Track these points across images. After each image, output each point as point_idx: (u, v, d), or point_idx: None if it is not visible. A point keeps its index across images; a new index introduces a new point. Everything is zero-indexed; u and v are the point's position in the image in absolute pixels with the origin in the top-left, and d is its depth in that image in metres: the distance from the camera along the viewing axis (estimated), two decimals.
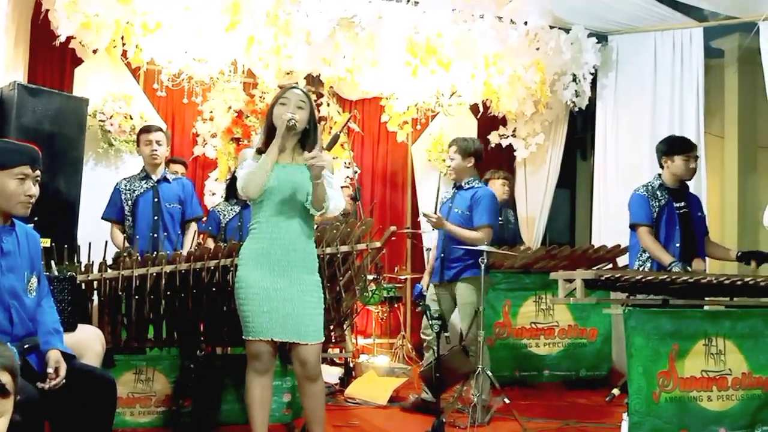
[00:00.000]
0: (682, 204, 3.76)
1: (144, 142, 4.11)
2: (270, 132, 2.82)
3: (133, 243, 3.89)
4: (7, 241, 2.26)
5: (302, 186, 2.78)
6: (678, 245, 3.67)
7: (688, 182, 3.89)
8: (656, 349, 3.05)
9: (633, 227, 3.77)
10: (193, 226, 4.23)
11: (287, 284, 2.72)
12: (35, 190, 2.28)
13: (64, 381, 2.20)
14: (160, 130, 4.18)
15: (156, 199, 4.09)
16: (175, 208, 4.14)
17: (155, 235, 3.86)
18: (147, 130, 4.16)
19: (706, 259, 3.90)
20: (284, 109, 2.77)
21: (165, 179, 4.17)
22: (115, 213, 4.11)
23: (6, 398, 1.28)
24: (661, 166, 3.81)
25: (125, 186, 4.14)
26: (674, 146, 3.77)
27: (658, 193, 3.73)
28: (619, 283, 3.09)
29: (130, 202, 4.08)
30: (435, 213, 3.97)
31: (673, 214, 3.71)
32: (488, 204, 3.95)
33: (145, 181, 4.13)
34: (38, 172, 2.29)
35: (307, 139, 2.83)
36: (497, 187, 5.39)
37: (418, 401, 4.09)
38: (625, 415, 3.44)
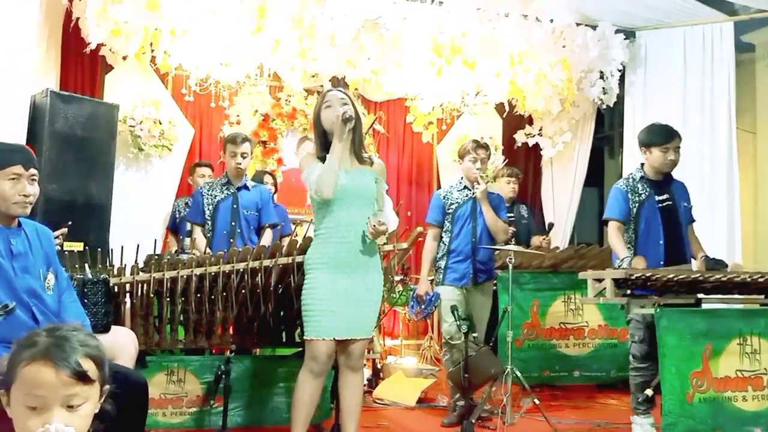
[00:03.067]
0: (665, 197, 3.52)
1: (230, 153, 4.16)
2: (324, 138, 2.89)
3: (211, 246, 4.01)
4: (17, 242, 2.27)
5: (366, 188, 2.87)
6: (662, 242, 3.45)
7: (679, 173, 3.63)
8: (689, 349, 3.00)
9: (605, 222, 3.59)
10: (268, 232, 4.25)
11: (355, 284, 2.81)
12: (31, 189, 2.27)
13: None
14: (247, 140, 4.22)
15: (235, 206, 4.16)
16: (251, 215, 4.20)
17: (231, 240, 3.93)
18: (234, 141, 4.16)
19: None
20: (332, 111, 2.83)
21: (245, 186, 4.23)
22: (197, 216, 4.20)
23: (88, 384, 1.32)
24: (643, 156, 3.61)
25: (207, 191, 4.22)
26: (652, 136, 3.52)
27: (638, 186, 3.52)
28: (649, 282, 3.04)
29: (210, 207, 4.16)
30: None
31: (654, 209, 3.49)
32: (505, 205, 4.23)
33: (226, 188, 4.20)
34: (33, 171, 2.28)
35: (355, 135, 2.89)
36: (503, 185, 5.31)
37: (459, 411, 3.81)
38: (632, 417, 3.44)
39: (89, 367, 1.33)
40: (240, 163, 4.15)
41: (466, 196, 4.03)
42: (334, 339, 2.77)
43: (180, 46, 4.76)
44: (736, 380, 3.06)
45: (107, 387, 1.42)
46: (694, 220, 3.68)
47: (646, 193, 3.52)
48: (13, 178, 2.23)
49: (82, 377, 1.31)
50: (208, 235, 4.16)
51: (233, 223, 4.13)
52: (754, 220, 6.12)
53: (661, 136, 3.50)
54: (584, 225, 7.01)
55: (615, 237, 3.47)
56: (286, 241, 3.54)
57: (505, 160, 6.33)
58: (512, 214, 5.21)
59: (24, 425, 1.29)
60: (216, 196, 4.19)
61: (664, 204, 3.52)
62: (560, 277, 4.88)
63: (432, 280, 4.13)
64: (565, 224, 6.37)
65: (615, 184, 3.63)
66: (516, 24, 5.54)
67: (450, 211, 4.03)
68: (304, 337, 2.83)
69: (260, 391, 3.40)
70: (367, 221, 2.79)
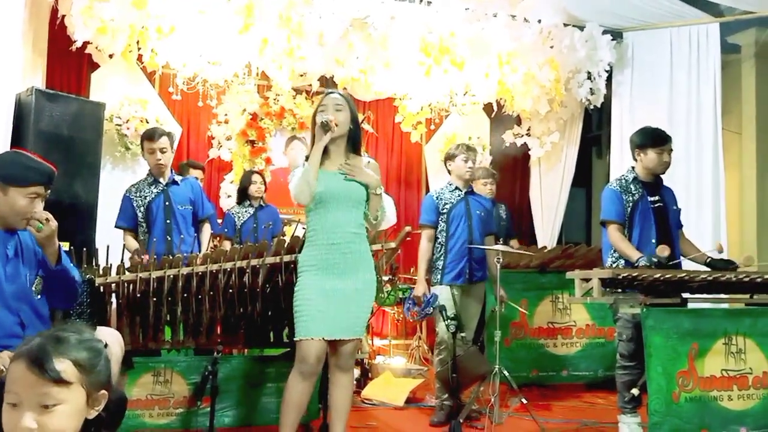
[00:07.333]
0: (657, 198, 3.59)
1: (148, 151, 4.01)
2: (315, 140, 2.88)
3: (150, 248, 3.88)
4: (10, 246, 2.28)
5: (353, 190, 2.87)
6: (654, 241, 3.48)
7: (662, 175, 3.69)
8: (675, 349, 3.02)
9: (603, 224, 3.63)
10: (207, 226, 4.17)
11: (344, 284, 2.80)
12: (40, 207, 2.29)
13: None
14: (164, 134, 4.05)
15: (167, 203, 4.00)
16: (186, 209, 4.06)
17: (169, 238, 3.86)
18: (150, 138, 3.99)
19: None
20: (323, 115, 2.84)
21: (174, 182, 4.08)
22: (127, 221, 4.04)
23: (61, 386, 1.30)
24: (635, 159, 3.66)
25: (135, 193, 4.05)
26: (647, 139, 3.60)
27: (631, 187, 3.58)
28: (636, 281, 3.06)
29: (142, 208, 4.00)
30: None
31: (648, 209, 3.55)
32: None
33: (154, 186, 4.04)
34: (48, 191, 2.31)
35: (350, 137, 2.91)
36: (479, 187, 5.28)
37: (446, 410, 3.92)
38: (619, 416, 3.45)
39: (65, 368, 1.31)
40: (160, 159, 3.98)
41: (458, 196, 4.10)
42: (323, 339, 2.76)
43: (167, 44, 4.72)
44: (722, 380, 3.09)
45: (103, 392, 1.39)
46: (682, 225, 3.74)
47: (639, 193, 3.57)
48: (32, 197, 2.25)
49: (54, 377, 1.29)
50: (144, 237, 3.98)
51: (168, 221, 3.98)
52: (740, 221, 6.18)
53: (657, 138, 3.60)
54: (572, 225, 7.04)
55: (619, 239, 3.50)
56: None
57: (492, 161, 6.35)
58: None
59: (4, 421, 1.29)
60: (146, 197, 4.01)
61: (656, 205, 3.58)
62: (548, 276, 4.90)
63: (428, 280, 4.14)
64: (552, 224, 6.40)
65: (608, 185, 3.68)
66: (504, 24, 5.56)
67: (444, 211, 4.08)
68: (294, 339, 2.83)
69: (248, 391, 3.39)
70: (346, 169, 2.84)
